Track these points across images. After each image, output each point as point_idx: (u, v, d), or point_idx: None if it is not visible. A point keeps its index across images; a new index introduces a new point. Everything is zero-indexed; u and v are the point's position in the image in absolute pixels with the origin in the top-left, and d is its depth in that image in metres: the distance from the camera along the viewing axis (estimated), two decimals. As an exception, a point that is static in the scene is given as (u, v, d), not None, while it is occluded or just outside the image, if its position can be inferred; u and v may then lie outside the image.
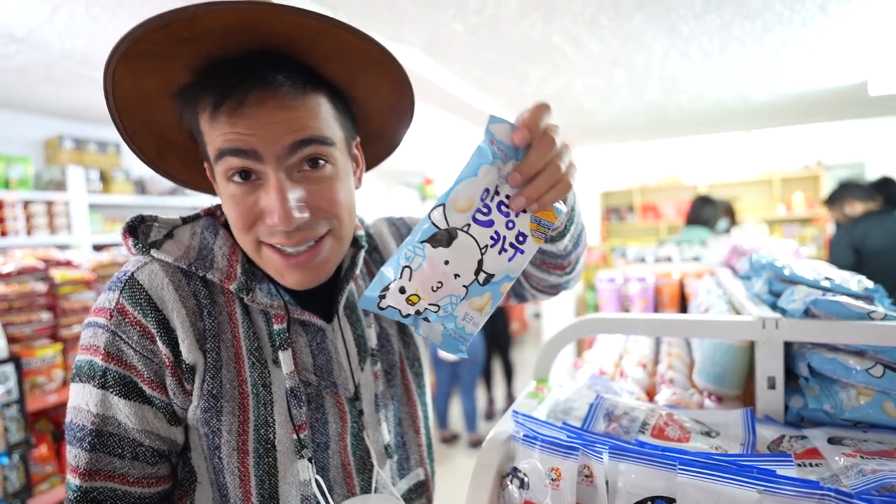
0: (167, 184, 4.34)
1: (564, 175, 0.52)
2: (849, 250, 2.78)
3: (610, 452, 0.55)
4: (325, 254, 0.64)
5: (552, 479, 0.55)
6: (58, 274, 1.74)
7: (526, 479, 0.57)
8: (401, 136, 0.78)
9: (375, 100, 0.69)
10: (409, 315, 0.52)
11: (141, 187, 4.09)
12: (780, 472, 0.47)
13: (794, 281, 0.78)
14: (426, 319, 0.53)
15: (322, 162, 0.61)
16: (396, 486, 0.77)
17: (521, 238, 0.53)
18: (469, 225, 0.51)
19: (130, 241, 0.63)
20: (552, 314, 4.35)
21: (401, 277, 0.51)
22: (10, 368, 1.55)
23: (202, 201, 4.37)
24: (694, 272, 1.66)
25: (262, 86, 0.56)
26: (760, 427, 0.68)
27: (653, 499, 0.51)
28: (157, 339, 0.59)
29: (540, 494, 0.56)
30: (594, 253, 3.55)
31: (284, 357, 0.65)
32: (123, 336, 0.59)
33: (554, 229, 0.60)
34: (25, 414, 1.58)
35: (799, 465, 0.57)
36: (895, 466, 0.51)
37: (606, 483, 0.53)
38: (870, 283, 0.72)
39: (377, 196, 6.59)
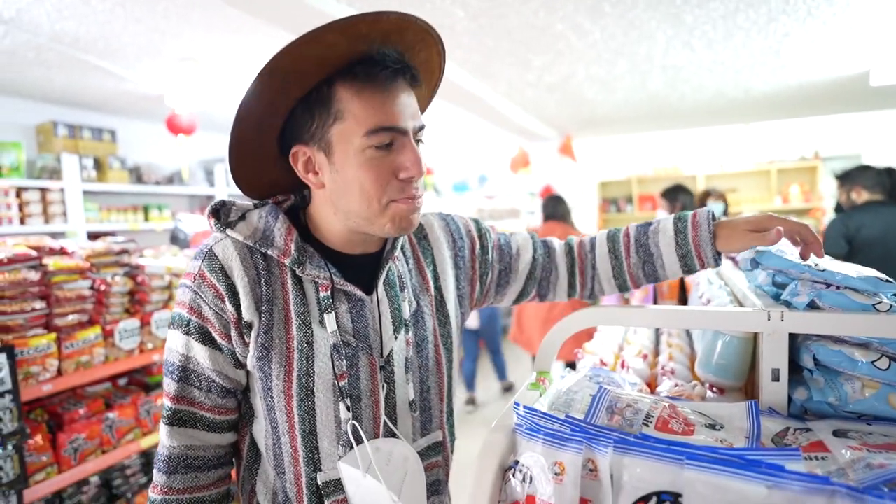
0: (163, 172, 4.30)
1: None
2: (842, 239, 2.77)
3: (615, 446, 0.54)
4: (421, 206, 0.80)
5: (555, 473, 0.54)
6: (51, 262, 1.71)
7: (528, 473, 0.57)
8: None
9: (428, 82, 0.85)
10: None
11: (137, 175, 4.05)
12: (788, 466, 0.46)
13: (798, 273, 0.76)
14: None
15: (421, 142, 0.80)
16: (416, 443, 0.87)
17: None
18: None
19: (213, 221, 0.79)
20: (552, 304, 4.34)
21: None
22: (2, 358, 1.53)
23: (196, 191, 4.33)
24: (694, 263, 1.65)
25: (402, 76, 0.75)
26: (765, 419, 0.67)
27: (658, 493, 0.50)
28: (226, 299, 0.75)
29: (543, 488, 0.55)
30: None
31: (329, 319, 0.78)
32: (202, 295, 0.75)
33: (706, 265, 0.87)
34: (19, 404, 1.57)
35: (805, 459, 0.56)
36: (902, 460, 0.50)
37: (611, 477, 0.52)
38: (880, 275, 0.70)
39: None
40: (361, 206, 0.76)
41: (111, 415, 1.91)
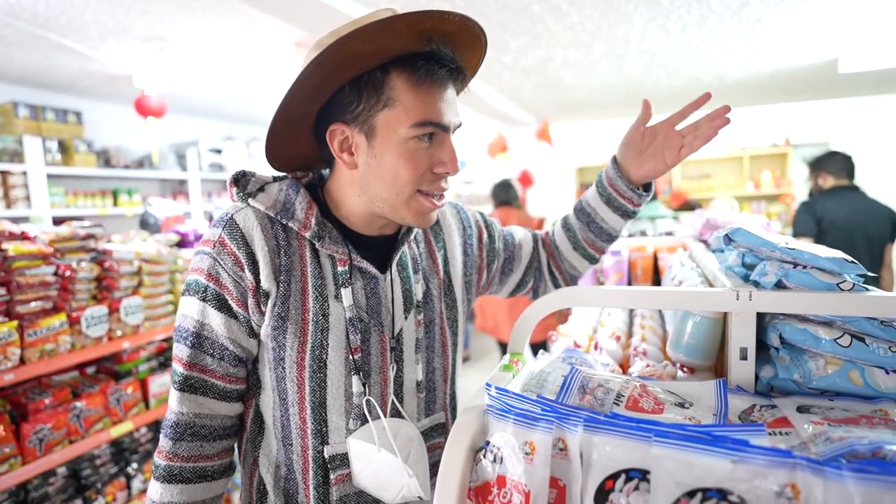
0: (131, 156, 4.16)
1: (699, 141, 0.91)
2: (811, 219, 2.87)
3: (584, 425, 0.54)
4: (441, 206, 0.82)
5: (526, 453, 0.54)
6: (11, 247, 1.65)
7: (499, 453, 0.56)
8: None
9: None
10: None
11: (105, 159, 3.91)
12: (753, 441, 0.47)
13: (769, 252, 0.78)
14: None
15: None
16: (420, 422, 0.89)
17: None
18: None
19: (234, 190, 0.80)
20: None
21: None
22: (-39, 346, 1.47)
23: (167, 175, 4.20)
24: (667, 246, 1.67)
25: (455, 76, 0.77)
26: (732, 397, 0.68)
27: (627, 471, 0.50)
28: (246, 267, 0.76)
29: (513, 468, 0.55)
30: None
31: (346, 293, 0.80)
32: (221, 262, 0.76)
33: (639, 203, 0.94)
34: (-20, 393, 1.51)
35: (770, 434, 0.57)
36: (861, 433, 0.51)
37: (581, 456, 0.53)
38: (846, 256, 0.72)
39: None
40: (391, 194, 0.78)
41: (79, 404, 1.86)
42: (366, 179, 0.79)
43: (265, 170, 0.88)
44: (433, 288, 0.92)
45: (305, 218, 0.79)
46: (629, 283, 1.67)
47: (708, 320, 0.86)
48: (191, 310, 0.78)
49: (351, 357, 0.80)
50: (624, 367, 1.03)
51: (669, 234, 1.97)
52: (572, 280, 1.09)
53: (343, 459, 0.81)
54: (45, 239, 1.80)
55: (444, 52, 0.74)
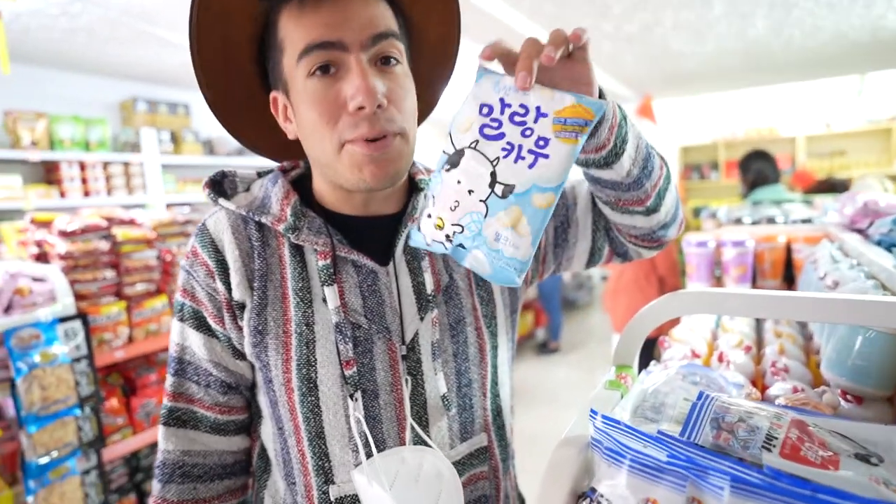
0: (234, 144, 4.40)
1: (556, 35, 0.51)
2: None
3: (732, 486, 0.40)
4: (396, 151, 0.63)
5: (648, 518, 0.41)
6: (120, 233, 1.75)
7: (610, 511, 0.43)
8: (440, 88, 0.78)
9: (427, 28, 0.71)
10: (444, 243, 0.54)
11: (209, 147, 4.17)
12: None
13: None
14: (462, 247, 0.54)
15: (394, 61, 0.63)
16: (455, 449, 0.72)
17: (541, 142, 0.52)
18: (476, 141, 0.53)
19: (207, 192, 0.70)
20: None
21: (430, 206, 0.55)
22: (78, 324, 1.59)
23: (266, 163, 4.39)
24: (804, 236, 1.40)
25: None
26: (941, 451, 0.49)
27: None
28: (217, 277, 0.66)
29: (630, 535, 0.41)
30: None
31: (329, 293, 0.66)
32: (194, 275, 0.67)
33: (600, 146, 0.58)
34: (94, 368, 1.63)
35: None
36: None
37: (729, 533, 0.38)
38: None
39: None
40: (318, 151, 0.64)
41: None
42: (305, 145, 0.67)
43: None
44: (458, 279, 0.74)
45: (280, 210, 0.67)
46: (754, 280, 1.43)
47: (885, 336, 0.66)
48: (174, 333, 0.70)
49: (343, 373, 0.65)
50: (757, 386, 0.84)
51: (807, 221, 1.67)
52: (650, 238, 0.76)
53: (354, 501, 0.67)
54: (150, 224, 1.90)
55: None
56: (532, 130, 0.52)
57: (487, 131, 0.53)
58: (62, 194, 3.23)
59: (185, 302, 0.68)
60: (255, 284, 0.66)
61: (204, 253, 0.67)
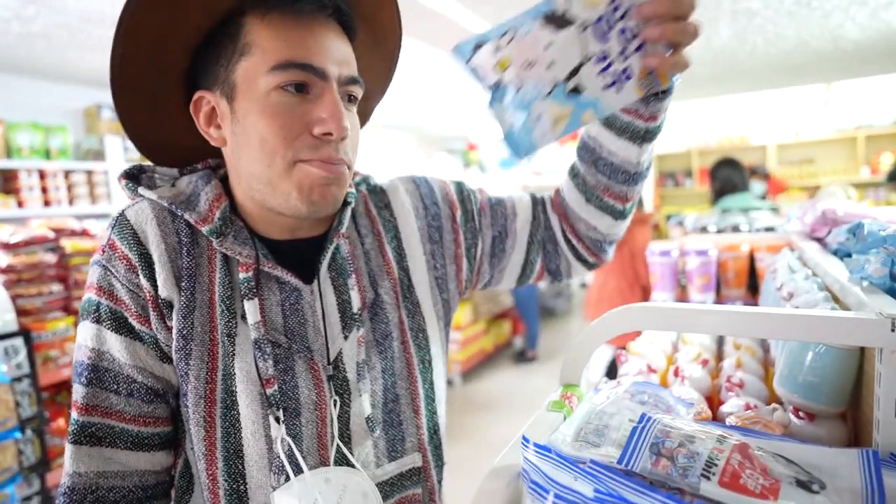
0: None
1: (691, 37, 0.53)
2: None
3: (658, 524, 0.36)
4: (344, 178, 0.64)
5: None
6: (69, 244, 1.68)
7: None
8: (374, 102, 0.80)
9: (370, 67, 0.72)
10: (488, 80, 0.53)
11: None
12: None
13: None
14: (502, 98, 0.53)
15: (355, 101, 0.65)
16: (382, 468, 0.69)
17: (626, 74, 0.52)
18: (586, 27, 0.51)
19: (125, 182, 0.66)
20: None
21: (500, 38, 0.52)
22: (19, 342, 1.51)
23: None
24: (767, 245, 1.40)
25: (325, 12, 0.61)
26: (889, 475, 0.47)
27: None
28: (140, 272, 0.61)
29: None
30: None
31: (250, 307, 0.62)
32: (113, 270, 0.61)
33: (654, 115, 0.64)
34: (38, 388, 1.55)
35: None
36: None
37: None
38: None
39: (417, 163, 6.40)
40: (261, 166, 0.60)
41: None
42: (236, 156, 0.62)
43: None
44: (384, 293, 0.72)
45: (209, 210, 0.63)
46: (718, 289, 1.41)
47: (837, 351, 0.64)
48: (84, 337, 0.62)
49: (264, 391, 0.62)
50: (713, 401, 0.82)
51: (770, 229, 1.66)
52: (598, 248, 0.81)
53: None
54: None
55: None
56: (627, 57, 0.52)
57: (599, 26, 0.51)
58: (20, 204, 3.11)
59: (102, 301, 0.61)
60: (183, 284, 0.62)
61: (124, 246, 0.61)
